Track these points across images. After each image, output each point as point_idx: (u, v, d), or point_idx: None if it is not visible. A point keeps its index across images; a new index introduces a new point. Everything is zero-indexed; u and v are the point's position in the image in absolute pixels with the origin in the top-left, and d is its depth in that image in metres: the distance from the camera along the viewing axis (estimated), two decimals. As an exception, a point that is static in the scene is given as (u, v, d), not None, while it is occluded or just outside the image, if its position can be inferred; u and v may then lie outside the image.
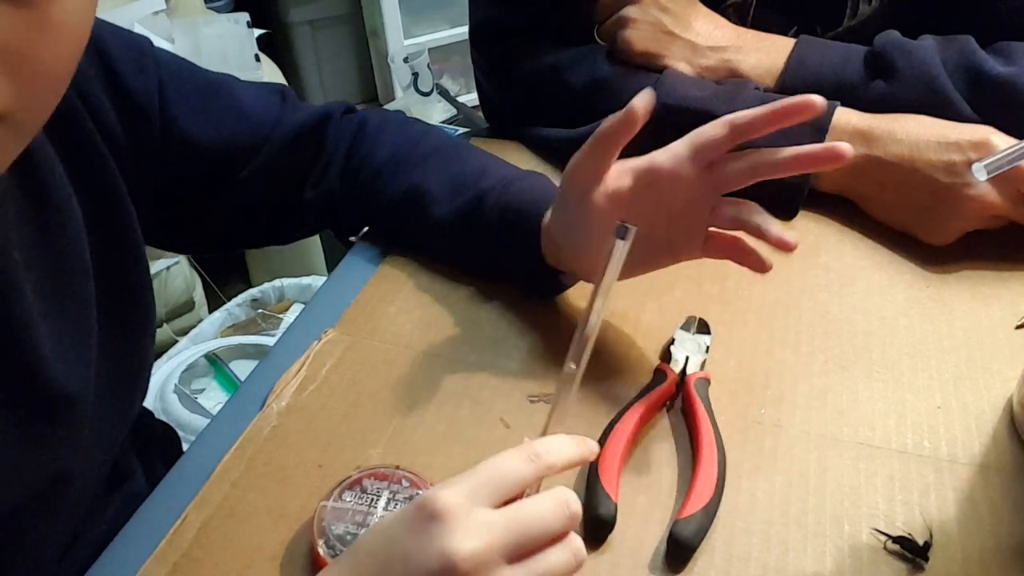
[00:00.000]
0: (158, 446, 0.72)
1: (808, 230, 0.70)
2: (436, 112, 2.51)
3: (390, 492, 0.48)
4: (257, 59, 1.89)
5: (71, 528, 0.52)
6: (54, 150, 0.50)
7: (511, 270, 0.64)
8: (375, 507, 0.47)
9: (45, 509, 0.49)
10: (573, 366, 0.42)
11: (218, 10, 2.06)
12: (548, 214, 0.59)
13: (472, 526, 0.36)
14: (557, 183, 0.57)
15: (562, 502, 0.38)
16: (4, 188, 0.46)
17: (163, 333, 1.73)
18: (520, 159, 0.81)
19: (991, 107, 0.67)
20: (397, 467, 0.49)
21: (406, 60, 2.50)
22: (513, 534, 0.37)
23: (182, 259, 1.78)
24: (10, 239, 0.45)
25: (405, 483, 0.48)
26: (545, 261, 0.60)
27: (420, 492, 0.47)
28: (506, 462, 0.39)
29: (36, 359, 0.46)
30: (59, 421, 0.48)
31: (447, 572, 0.35)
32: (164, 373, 1.50)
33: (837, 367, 0.57)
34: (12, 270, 0.45)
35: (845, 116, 0.69)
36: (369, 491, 0.48)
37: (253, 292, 1.74)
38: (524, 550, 0.37)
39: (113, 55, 0.55)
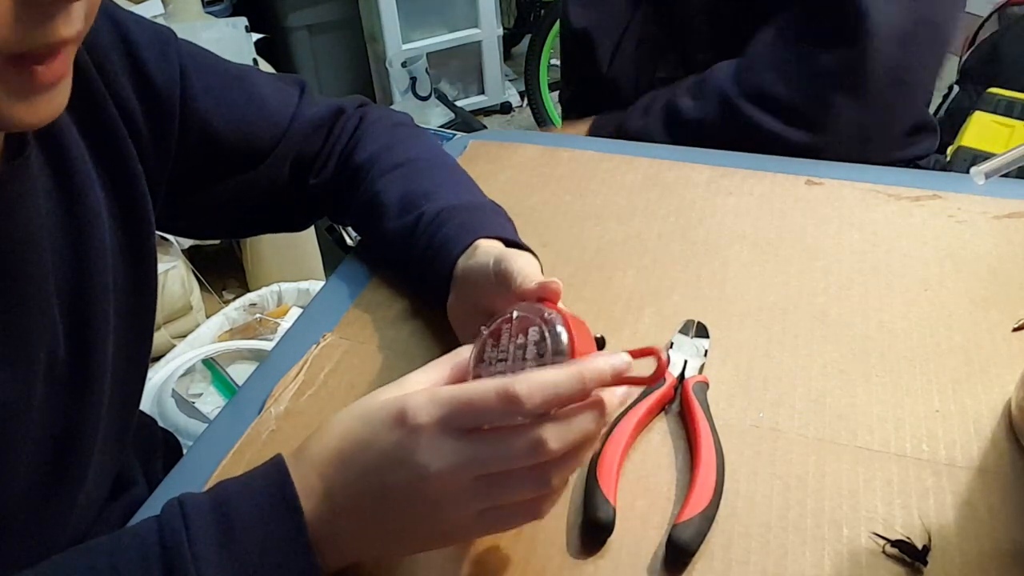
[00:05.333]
0: (161, 453, 0.72)
1: (806, 233, 0.70)
2: (434, 116, 2.52)
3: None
4: (255, 63, 1.89)
5: (80, 533, 0.52)
6: (79, 134, 0.50)
7: (432, 301, 0.62)
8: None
9: (56, 508, 0.49)
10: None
11: (216, 14, 2.07)
12: (469, 252, 0.57)
13: (443, 448, 0.38)
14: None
15: (535, 442, 0.38)
16: (37, 168, 0.47)
17: (160, 337, 1.72)
18: (516, 162, 0.81)
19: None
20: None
21: (404, 64, 2.50)
22: (480, 465, 0.38)
23: (180, 263, 1.78)
24: (40, 215, 0.46)
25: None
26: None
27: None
28: (488, 403, 0.38)
29: (55, 338, 0.47)
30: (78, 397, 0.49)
31: (416, 487, 0.38)
32: (161, 377, 1.50)
33: (835, 371, 0.57)
34: (39, 250, 0.46)
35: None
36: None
37: (251, 296, 1.73)
38: (492, 477, 0.39)
39: (137, 43, 0.55)
